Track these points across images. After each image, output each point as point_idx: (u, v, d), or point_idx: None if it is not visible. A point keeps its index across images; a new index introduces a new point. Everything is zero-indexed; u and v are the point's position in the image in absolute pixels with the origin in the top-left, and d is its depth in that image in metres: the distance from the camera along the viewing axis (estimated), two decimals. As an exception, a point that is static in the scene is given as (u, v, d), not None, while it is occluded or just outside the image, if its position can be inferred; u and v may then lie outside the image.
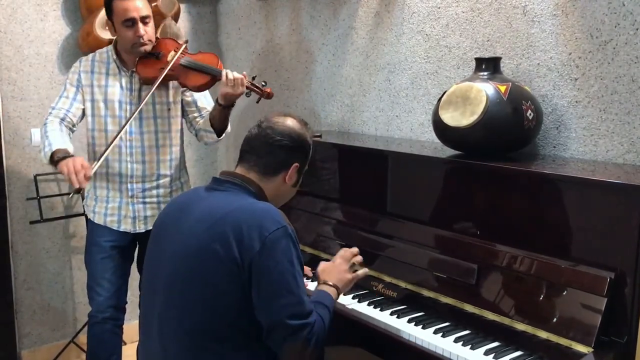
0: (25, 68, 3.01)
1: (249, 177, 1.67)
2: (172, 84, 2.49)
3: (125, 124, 2.35)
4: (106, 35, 2.90)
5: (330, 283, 1.75)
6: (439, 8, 2.35)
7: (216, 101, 2.43)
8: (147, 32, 2.37)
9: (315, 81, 2.97)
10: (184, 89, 2.52)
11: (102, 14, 2.88)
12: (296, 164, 1.70)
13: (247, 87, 2.37)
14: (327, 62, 2.89)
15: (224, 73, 2.33)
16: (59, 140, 2.28)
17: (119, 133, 2.32)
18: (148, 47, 2.39)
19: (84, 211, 2.62)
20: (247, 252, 1.48)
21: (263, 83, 2.43)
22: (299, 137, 1.70)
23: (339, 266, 1.81)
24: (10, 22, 2.94)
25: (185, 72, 2.40)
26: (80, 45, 2.99)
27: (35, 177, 3.02)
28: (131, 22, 2.33)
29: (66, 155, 2.21)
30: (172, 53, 2.42)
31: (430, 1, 2.38)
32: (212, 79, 2.40)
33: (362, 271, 1.83)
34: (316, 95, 2.98)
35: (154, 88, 2.35)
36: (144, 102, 2.36)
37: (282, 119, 1.72)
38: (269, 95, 2.43)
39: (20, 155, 3.04)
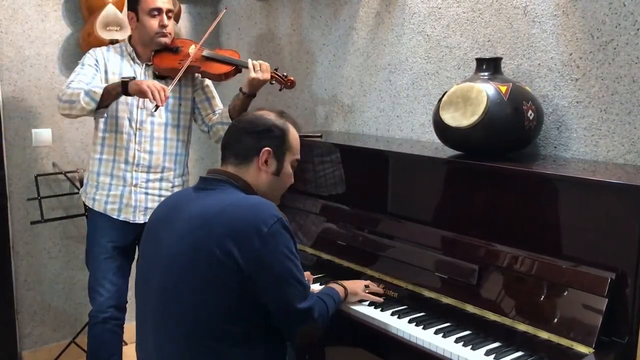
0: (26, 69, 3.01)
1: (232, 173, 1.69)
2: (184, 81, 2.53)
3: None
4: (107, 35, 2.91)
5: (338, 282, 1.89)
6: (440, 8, 2.35)
7: (240, 90, 2.50)
8: (170, 25, 2.47)
9: (316, 81, 2.98)
10: (197, 87, 2.60)
11: (103, 14, 2.91)
12: (267, 149, 1.70)
13: (271, 76, 2.47)
14: (327, 63, 2.89)
15: (249, 61, 2.44)
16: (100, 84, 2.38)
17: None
18: (168, 40, 2.48)
19: (85, 211, 2.62)
20: (247, 249, 1.49)
21: (285, 74, 2.52)
22: (264, 122, 1.72)
23: (356, 281, 1.98)
24: (11, 23, 2.95)
25: (208, 62, 2.51)
26: (81, 45, 3.00)
27: (36, 177, 3.02)
28: (157, 12, 2.43)
29: (131, 78, 2.31)
30: (193, 46, 2.52)
31: (431, 2, 2.38)
32: (235, 69, 2.50)
33: (376, 296, 1.95)
34: (317, 95, 2.98)
35: (179, 75, 2.42)
36: (173, 84, 2.42)
37: (255, 112, 1.78)
38: (292, 84, 2.52)
39: (21, 156, 3.04)
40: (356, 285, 1.94)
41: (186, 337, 1.52)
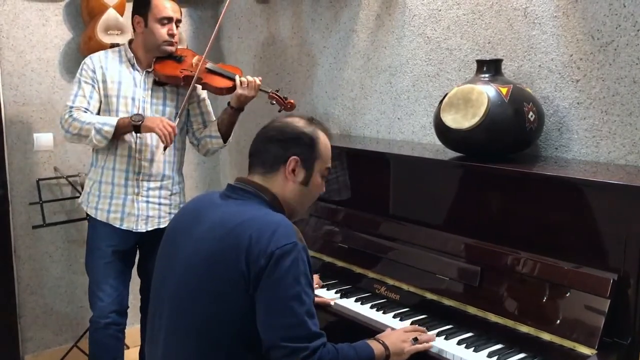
0: (28, 73, 3.01)
1: (260, 184, 1.62)
2: (181, 90, 2.54)
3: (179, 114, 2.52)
4: (108, 40, 2.91)
5: (380, 340, 1.65)
6: (440, 10, 2.36)
7: (228, 104, 2.53)
8: (177, 34, 2.49)
9: (316, 84, 2.98)
10: (193, 100, 2.61)
11: (104, 18, 2.91)
12: (294, 157, 1.61)
13: (270, 97, 2.52)
14: (328, 65, 2.90)
15: (237, 77, 2.47)
16: (106, 117, 2.42)
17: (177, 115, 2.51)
18: (174, 48, 2.50)
19: (86, 215, 2.62)
20: (254, 267, 1.45)
21: (285, 96, 2.55)
22: (292, 129, 1.63)
23: (399, 334, 1.71)
24: (12, 28, 2.95)
25: (210, 75, 2.53)
26: (82, 50, 3.00)
27: (37, 181, 3.02)
28: (168, 20, 2.44)
29: (141, 117, 2.36)
30: (197, 58, 2.55)
31: (431, 4, 2.39)
32: (234, 85, 2.51)
33: (422, 345, 1.69)
34: (318, 98, 2.98)
35: (191, 88, 2.47)
36: (186, 99, 2.50)
37: (282, 118, 1.70)
38: (291, 106, 2.56)
39: (23, 160, 3.04)
40: (400, 340, 1.67)
41: (195, 347, 1.50)
